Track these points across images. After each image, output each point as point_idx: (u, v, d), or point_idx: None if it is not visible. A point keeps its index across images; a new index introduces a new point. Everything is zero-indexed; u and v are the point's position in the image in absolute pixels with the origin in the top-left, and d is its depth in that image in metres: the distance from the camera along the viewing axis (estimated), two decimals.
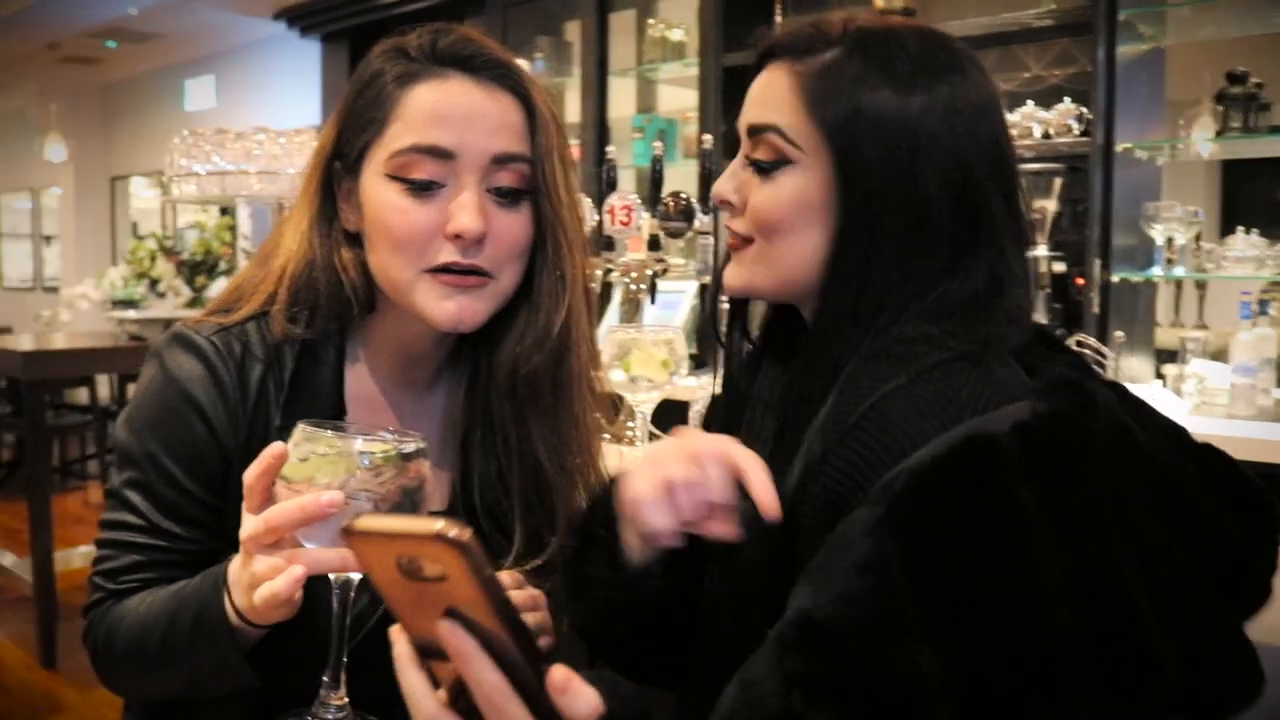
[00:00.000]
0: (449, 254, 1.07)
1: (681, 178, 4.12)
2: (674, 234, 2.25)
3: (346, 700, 0.92)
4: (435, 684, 0.73)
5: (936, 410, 0.80)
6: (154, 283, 4.93)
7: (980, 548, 0.70)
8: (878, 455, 0.79)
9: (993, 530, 0.71)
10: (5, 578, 4.25)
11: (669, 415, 2.22)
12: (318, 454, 0.87)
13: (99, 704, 3.52)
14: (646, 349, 1.72)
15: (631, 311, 2.30)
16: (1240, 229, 3.20)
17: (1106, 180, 3.14)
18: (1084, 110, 3.23)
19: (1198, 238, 3.25)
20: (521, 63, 1.16)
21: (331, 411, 1.13)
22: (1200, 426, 2.81)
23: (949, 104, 0.89)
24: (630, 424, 2.01)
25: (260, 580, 0.89)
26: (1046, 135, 3.31)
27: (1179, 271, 3.23)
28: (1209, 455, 0.85)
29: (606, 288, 2.90)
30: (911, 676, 0.68)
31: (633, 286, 2.30)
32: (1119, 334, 2.99)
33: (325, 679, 0.91)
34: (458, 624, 0.67)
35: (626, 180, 4.32)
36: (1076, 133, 3.24)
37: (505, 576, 1.06)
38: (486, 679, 0.67)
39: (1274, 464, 2.46)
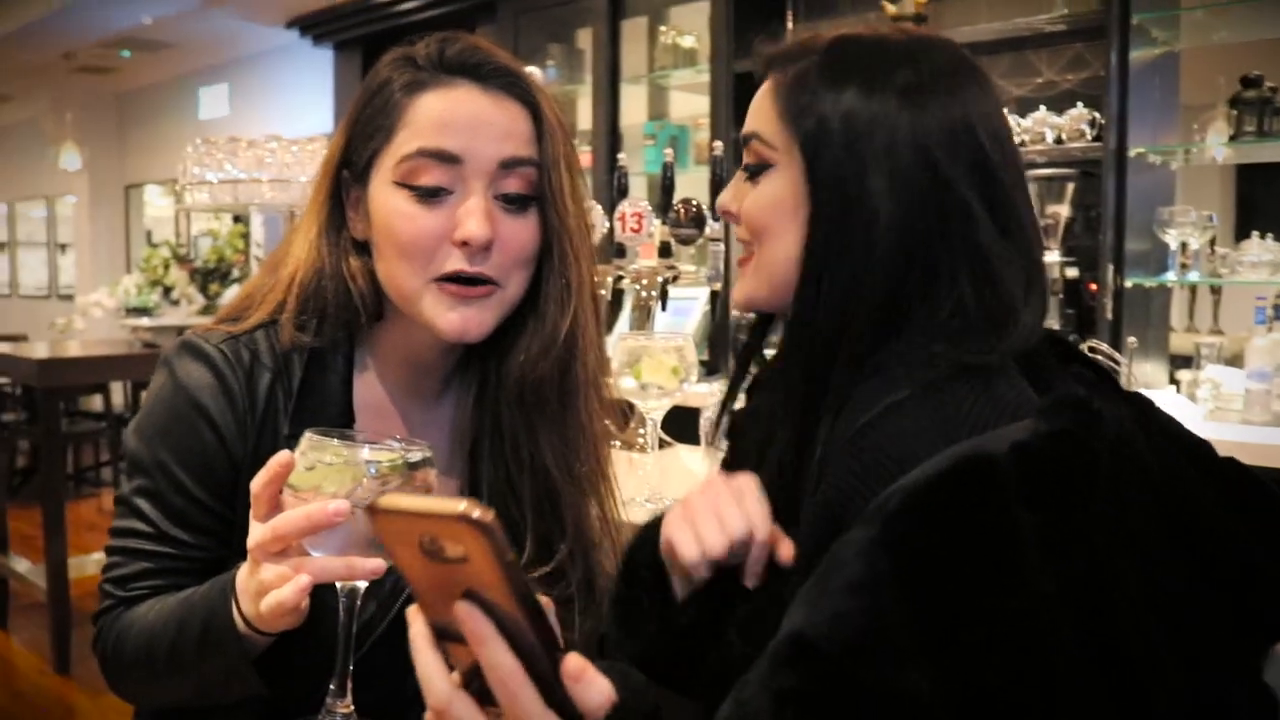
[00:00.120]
0: (456, 261, 1.07)
1: (693, 184, 4.12)
2: (685, 241, 2.24)
3: (352, 708, 0.92)
4: (450, 668, 0.72)
5: (935, 428, 0.79)
6: (167, 290, 4.95)
7: (974, 569, 0.69)
8: (875, 473, 0.79)
9: (987, 551, 0.70)
10: (20, 584, 4.26)
11: (679, 422, 2.22)
12: (324, 463, 0.87)
13: (111, 710, 3.53)
14: (657, 356, 1.72)
15: (642, 318, 2.30)
16: (1255, 233, 3.19)
17: (1119, 185, 3.13)
18: (1097, 115, 3.22)
19: (1212, 242, 3.24)
20: (533, 70, 1.17)
21: (340, 420, 1.13)
22: (1215, 432, 2.79)
23: (915, 105, 0.89)
24: (641, 431, 2.01)
25: (267, 588, 0.89)
26: (1059, 140, 3.30)
27: (1193, 277, 3.22)
28: (1233, 472, 0.83)
29: (618, 295, 2.90)
30: (903, 696, 0.67)
31: (644, 293, 2.30)
32: (1131, 339, 2.98)
33: (331, 687, 0.91)
34: (475, 606, 0.67)
35: (638, 187, 4.32)
36: (1089, 138, 3.23)
37: None
38: (501, 662, 0.67)
39: None
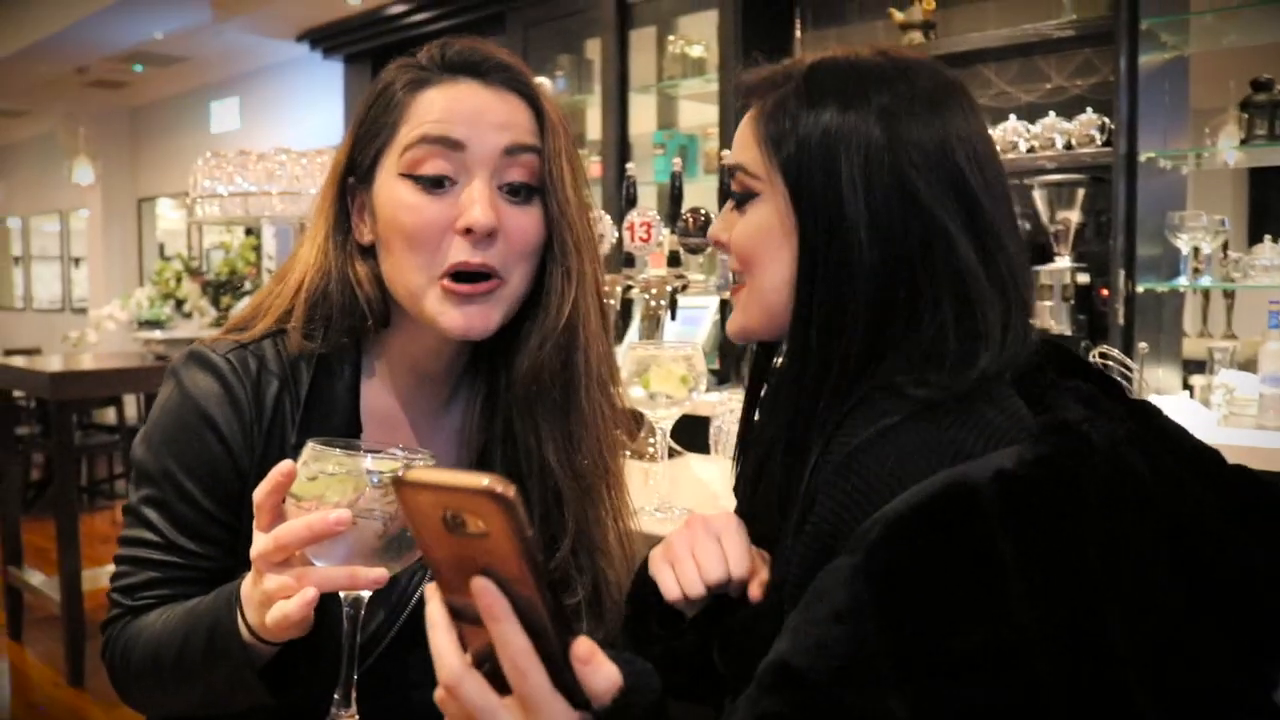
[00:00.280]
0: (460, 251, 1.08)
1: (702, 193, 4.12)
2: (694, 250, 2.25)
3: (357, 718, 0.92)
4: (465, 648, 0.73)
5: (921, 454, 0.79)
6: (180, 303, 4.97)
7: (954, 598, 0.70)
8: (862, 499, 0.79)
9: (967, 581, 0.70)
10: (34, 596, 4.28)
11: (690, 431, 2.22)
12: (326, 472, 0.87)
13: None
14: (665, 365, 1.72)
15: (652, 328, 2.30)
16: (1268, 237, 3.17)
17: (1130, 190, 3.12)
18: (1106, 120, 3.21)
19: (1225, 246, 3.22)
20: (542, 81, 1.17)
21: (347, 428, 1.14)
22: (1229, 437, 2.78)
23: (892, 129, 0.89)
24: (651, 440, 2.01)
25: (271, 598, 0.89)
26: (1069, 146, 3.29)
27: (1205, 281, 3.20)
28: (1240, 479, 0.82)
29: (627, 304, 2.90)
30: None
31: (653, 303, 2.30)
32: (1142, 345, 2.97)
33: (336, 696, 0.91)
34: (491, 582, 0.68)
35: (648, 196, 4.33)
36: (1099, 143, 3.22)
37: None
38: (513, 641, 0.68)
39: None
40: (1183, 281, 3.18)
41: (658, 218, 2.23)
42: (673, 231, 2.28)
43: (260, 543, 0.89)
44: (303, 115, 7.47)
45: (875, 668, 0.69)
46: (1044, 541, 0.71)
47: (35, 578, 4.30)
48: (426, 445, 1.18)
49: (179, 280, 4.96)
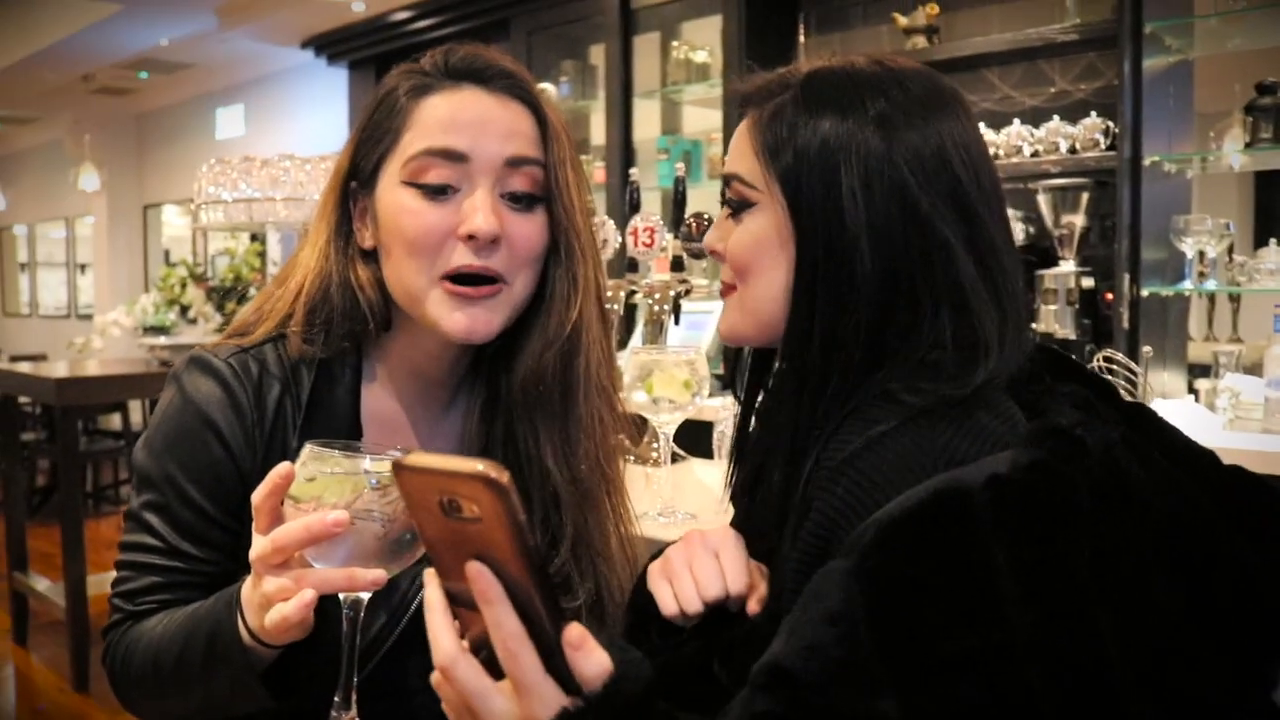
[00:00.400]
0: (463, 256, 1.08)
1: (705, 199, 4.12)
2: (697, 255, 2.24)
3: None
4: (462, 634, 0.74)
5: (916, 460, 0.80)
6: (184, 309, 4.97)
7: (946, 602, 0.70)
8: (854, 506, 0.80)
9: (959, 584, 0.70)
10: (39, 602, 4.29)
11: (693, 436, 2.22)
12: (325, 473, 0.86)
13: None
14: (668, 370, 1.72)
15: (655, 333, 2.30)
16: (1274, 241, 3.16)
17: (1135, 194, 3.12)
18: (1111, 124, 3.21)
19: (1230, 250, 3.21)
20: (546, 86, 1.18)
21: (348, 432, 1.14)
22: (1235, 441, 2.77)
23: (889, 137, 0.89)
24: (654, 445, 2.00)
25: (271, 601, 0.89)
26: (1073, 150, 3.29)
27: (1210, 285, 3.19)
28: (1238, 482, 0.82)
29: (630, 310, 2.90)
30: None
31: (656, 308, 2.30)
32: (1146, 349, 2.96)
33: (336, 699, 0.91)
34: (485, 566, 0.69)
35: (652, 201, 4.33)
36: (1103, 147, 3.22)
37: None
38: (506, 624, 0.69)
39: None
40: (1188, 285, 3.17)
41: (661, 223, 2.23)
42: (676, 236, 2.28)
43: (259, 545, 0.88)
44: (307, 122, 7.48)
45: (867, 670, 0.69)
46: (1036, 546, 0.71)
47: (40, 583, 4.31)
48: (427, 449, 1.18)
49: (184, 286, 4.96)
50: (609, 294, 2.17)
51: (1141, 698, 0.71)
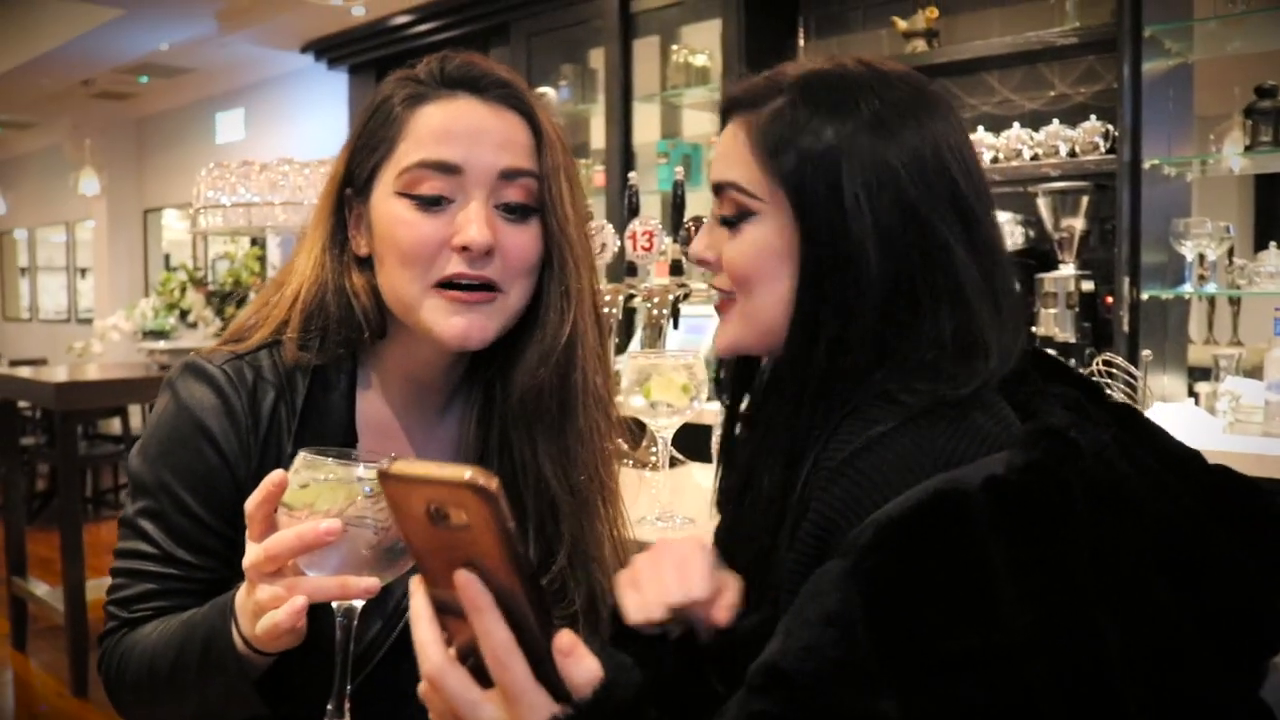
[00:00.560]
0: (456, 266, 1.08)
1: (705, 202, 4.10)
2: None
3: None
4: (449, 643, 0.74)
5: (914, 461, 0.79)
6: (184, 314, 4.97)
7: (944, 603, 0.70)
8: (852, 506, 0.79)
9: (957, 585, 0.70)
10: (38, 607, 4.28)
11: (692, 439, 2.21)
12: (318, 481, 0.86)
13: None
14: (666, 374, 1.72)
15: (654, 337, 2.30)
16: (1274, 244, 3.16)
17: (1134, 197, 3.11)
18: (1110, 127, 3.21)
19: (1230, 253, 3.21)
20: (546, 90, 1.18)
21: (343, 439, 1.13)
22: (1235, 445, 2.76)
23: (888, 141, 0.88)
24: (653, 449, 2.00)
25: (264, 609, 0.89)
26: (1073, 153, 3.29)
27: (1210, 288, 3.19)
28: (1225, 482, 0.82)
29: (629, 313, 2.90)
30: None
31: (655, 312, 2.30)
32: (1146, 353, 2.96)
33: (330, 707, 0.90)
34: (474, 575, 0.68)
35: (652, 205, 4.33)
36: (1103, 150, 3.22)
37: None
38: (495, 633, 0.69)
39: None
40: (1188, 288, 3.17)
41: (660, 227, 2.22)
42: (675, 240, 2.28)
43: (252, 553, 0.88)
44: (307, 126, 7.49)
45: (865, 670, 0.69)
46: (1034, 546, 0.71)
47: (40, 588, 4.30)
48: (422, 455, 1.18)
49: (183, 291, 4.96)
50: (607, 298, 2.18)
51: (1140, 698, 0.71)
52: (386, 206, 1.10)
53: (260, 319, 1.17)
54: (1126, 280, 3.11)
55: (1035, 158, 3.38)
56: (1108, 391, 0.95)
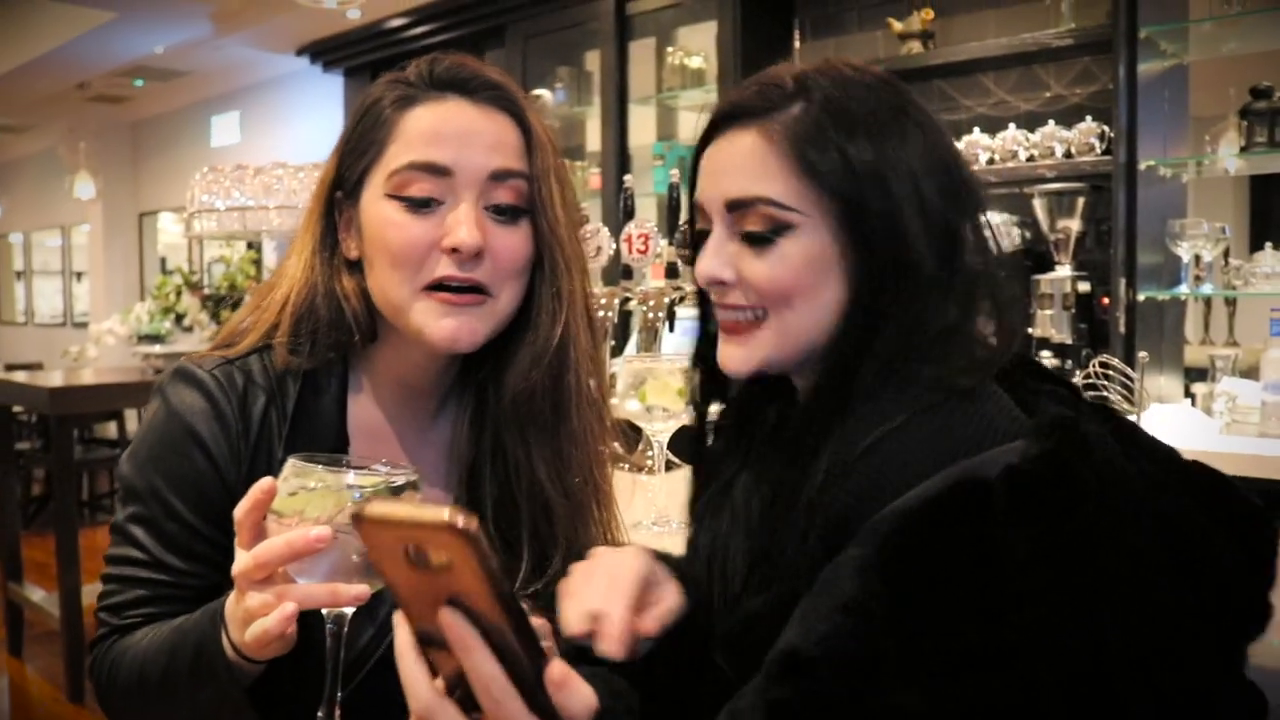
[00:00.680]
0: (446, 268, 1.07)
1: None
2: (691, 261, 2.23)
3: None
4: (435, 674, 0.73)
5: (932, 450, 0.79)
6: (179, 317, 4.96)
7: (966, 591, 0.70)
8: (874, 494, 0.78)
9: (980, 574, 0.70)
10: (34, 612, 4.27)
11: (686, 444, 2.20)
12: (307, 488, 0.86)
13: None
14: (662, 378, 1.71)
15: (649, 339, 2.29)
16: (1269, 245, 3.16)
17: (1130, 198, 3.11)
18: (1106, 128, 3.20)
19: (1226, 254, 3.21)
20: (542, 93, 1.17)
21: (334, 443, 1.13)
22: (1232, 446, 2.77)
23: (917, 141, 0.89)
24: (648, 453, 2.00)
25: (253, 616, 0.88)
26: (1068, 154, 3.29)
27: (1206, 289, 3.19)
28: (1209, 480, 0.83)
29: (625, 316, 2.89)
30: (896, 714, 0.68)
31: (650, 315, 2.29)
32: (1143, 354, 2.96)
33: (320, 715, 0.90)
34: (459, 614, 0.67)
35: (649, 207, 4.32)
36: (1099, 151, 3.22)
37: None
38: (485, 670, 0.68)
39: None
40: (1184, 289, 3.17)
41: (656, 229, 2.22)
42: (671, 243, 2.27)
43: (241, 560, 0.88)
44: (303, 129, 7.48)
45: (887, 660, 0.69)
46: (1052, 537, 0.71)
47: (35, 594, 4.29)
48: (415, 459, 1.17)
49: (179, 294, 4.95)
50: (603, 301, 2.17)
51: (1146, 692, 0.71)
52: (376, 209, 1.10)
53: (250, 324, 1.17)
54: (1123, 281, 3.11)
55: (1031, 159, 3.38)
56: (1089, 394, 0.96)
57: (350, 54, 6.10)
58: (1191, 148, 3.38)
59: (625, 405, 1.71)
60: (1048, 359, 3.20)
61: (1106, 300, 3.19)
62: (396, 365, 1.17)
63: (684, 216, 2.29)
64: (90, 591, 3.96)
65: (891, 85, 0.93)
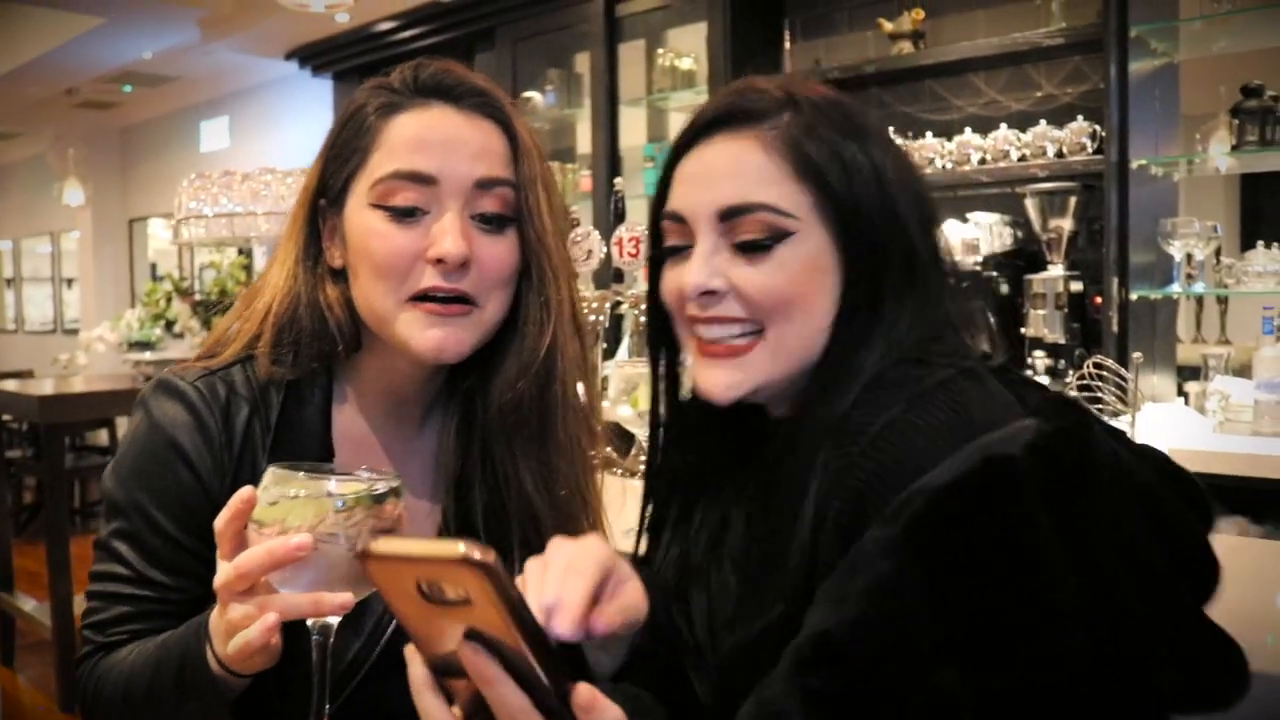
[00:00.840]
0: (431, 278, 1.05)
1: None
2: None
3: None
4: (450, 700, 0.72)
5: (947, 429, 0.78)
6: (170, 324, 4.93)
7: (1002, 569, 0.70)
8: (892, 476, 0.77)
9: (1014, 552, 0.70)
10: (26, 622, 4.25)
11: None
12: (288, 496, 0.84)
13: None
14: None
15: (641, 344, 2.28)
16: (1260, 243, 3.16)
17: (1122, 197, 3.11)
18: (1097, 128, 3.20)
19: (1218, 253, 3.21)
20: (532, 95, 1.16)
21: (319, 454, 1.11)
22: (1225, 444, 2.77)
23: (896, 150, 0.93)
24: (641, 458, 1.99)
25: (236, 628, 0.86)
26: (1060, 154, 3.28)
27: (1199, 288, 3.19)
28: (1154, 456, 0.84)
29: (617, 320, 2.88)
30: (937, 696, 0.68)
31: (642, 319, 2.28)
32: (1137, 355, 2.96)
33: None
34: (480, 647, 0.66)
35: (638, 210, 4.29)
36: (1090, 150, 3.22)
37: None
38: (511, 701, 0.67)
39: None
40: (1176, 288, 3.17)
41: (646, 233, 2.21)
42: None
43: (223, 572, 0.86)
44: (292, 133, 7.45)
45: (923, 642, 0.68)
46: (1074, 509, 0.72)
47: (27, 603, 4.26)
48: (401, 469, 1.16)
49: (169, 301, 4.93)
50: (594, 305, 2.16)
51: (1164, 654, 0.73)
52: (360, 218, 1.08)
53: (233, 334, 1.16)
54: (1115, 280, 3.10)
55: (1023, 158, 3.38)
56: (1083, 395, 0.97)
57: (340, 58, 6.08)
58: (1183, 146, 3.38)
59: (617, 410, 1.70)
60: (1041, 359, 3.20)
61: (1099, 299, 3.19)
62: (382, 375, 1.15)
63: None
64: (82, 600, 3.93)
65: (854, 102, 0.95)
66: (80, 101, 8.51)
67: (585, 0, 4.49)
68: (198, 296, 5.09)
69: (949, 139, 3.55)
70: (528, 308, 1.12)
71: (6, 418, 4.98)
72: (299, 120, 7.34)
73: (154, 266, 9.54)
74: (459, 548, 0.61)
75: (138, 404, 1.13)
